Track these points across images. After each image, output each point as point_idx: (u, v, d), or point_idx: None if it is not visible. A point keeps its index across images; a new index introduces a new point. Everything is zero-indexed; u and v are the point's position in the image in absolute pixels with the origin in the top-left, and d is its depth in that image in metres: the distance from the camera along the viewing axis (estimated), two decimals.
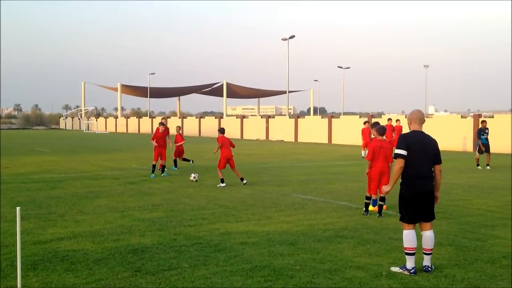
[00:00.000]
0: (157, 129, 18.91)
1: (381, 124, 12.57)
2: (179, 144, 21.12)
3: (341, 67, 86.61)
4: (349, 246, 8.14)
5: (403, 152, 6.74)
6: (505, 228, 9.57)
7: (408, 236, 6.78)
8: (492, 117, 36.27)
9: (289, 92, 66.20)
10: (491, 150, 22.45)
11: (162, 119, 22.33)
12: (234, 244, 8.19)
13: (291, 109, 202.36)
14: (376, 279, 6.48)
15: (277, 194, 13.75)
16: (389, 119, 29.56)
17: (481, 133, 22.24)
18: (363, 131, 27.67)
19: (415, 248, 6.75)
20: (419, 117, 6.98)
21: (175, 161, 21.23)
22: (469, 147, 34.63)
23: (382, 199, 10.92)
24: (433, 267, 6.86)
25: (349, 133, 42.24)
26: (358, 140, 33.11)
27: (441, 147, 27.86)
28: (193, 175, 16.76)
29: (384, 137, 11.29)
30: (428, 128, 29.93)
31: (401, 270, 6.75)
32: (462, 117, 38.36)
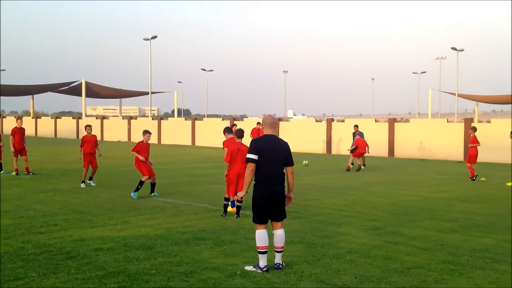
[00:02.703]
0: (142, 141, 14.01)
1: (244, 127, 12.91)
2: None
3: (205, 70, 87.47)
4: (206, 247, 8.26)
5: (253, 156, 7.01)
6: (350, 225, 10.33)
7: (260, 236, 7.05)
8: (343, 121, 38.95)
9: (152, 93, 65.29)
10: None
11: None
12: (87, 251, 7.90)
13: (154, 110, 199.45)
14: (230, 278, 6.65)
15: (137, 198, 13.48)
16: (258, 123, 30.32)
17: (354, 137, 24.76)
18: (254, 131, 27.81)
19: (267, 247, 7.03)
20: (269, 122, 7.33)
21: None
22: (326, 149, 36.79)
23: (240, 200, 11.21)
24: (284, 264, 7.20)
25: (212, 135, 42.74)
26: (221, 143, 33.52)
27: (300, 149, 29.33)
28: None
29: (242, 140, 11.61)
30: (288, 132, 31.51)
31: (254, 269, 6.99)
32: (316, 120, 40.69)
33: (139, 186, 13.63)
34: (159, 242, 8.57)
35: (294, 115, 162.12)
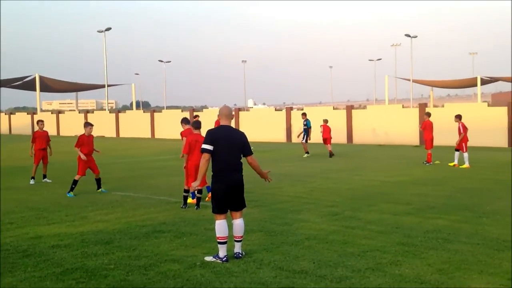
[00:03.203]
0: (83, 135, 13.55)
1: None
2: None
3: (162, 61, 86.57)
4: (166, 240, 8.25)
5: (208, 147, 7.06)
6: (309, 212, 10.48)
7: (220, 226, 7.09)
8: (302, 109, 39.27)
9: (109, 86, 64.25)
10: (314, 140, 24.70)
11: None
12: (44, 248, 7.79)
13: (112, 103, 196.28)
14: (190, 270, 6.67)
15: (95, 193, 13.31)
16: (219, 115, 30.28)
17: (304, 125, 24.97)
18: (217, 122, 27.87)
19: (226, 237, 7.08)
20: (225, 112, 7.36)
21: None
22: (287, 137, 37.05)
23: (200, 191, 11.20)
24: (244, 253, 7.26)
25: (172, 127, 42.41)
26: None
27: (261, 139, 29.46)
28: None
29: (200, 131, 11.60)
30: (248, 121, 31.70)
31: (214, 259, 7.03)
32: (276, 109, 40.89)
33: (73, 186, 13.05)
34: (118, 236, 8.51)
35: (255, 104, 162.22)
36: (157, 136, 44.89)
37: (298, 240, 8.11)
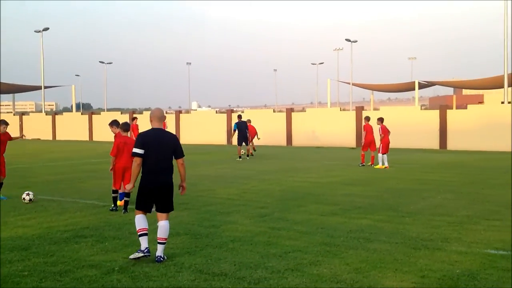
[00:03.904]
0: None
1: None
2: None
3: (103, 62, 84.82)
4: (86, 245, 8.02)
5: (139, 150, 7.08)
6: (238, 213, 10.48)
7: (139, 219, 7.15)
8: (243, 112, 39.39)
9: (47, 87, 62.39)
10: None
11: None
12: None
13: (52, 105, 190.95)
14: (107, 275, 6.51)
15: (19, 198, 12.80)
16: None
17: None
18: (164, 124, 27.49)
19: (146, 228, 7.12)
20: (157, 115, 7.34)
21: None
22: (227, 140, 37.00)
23: (128, 194, 10.99)
24: (166, 257, 7.15)
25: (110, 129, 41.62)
26: None
27: (202, 141, 29.43)
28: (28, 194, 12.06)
29: (128, 133, 11.42)
30: (189, 124, 31.59)
31: (137, 254, 7.00)
32: (217, 112, 40.84)
33: None
34: (36, 242, 8.21)
35: (199, 107, 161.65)
36: (95, 138, 43.91)
37: (223, 243, 8.08)
